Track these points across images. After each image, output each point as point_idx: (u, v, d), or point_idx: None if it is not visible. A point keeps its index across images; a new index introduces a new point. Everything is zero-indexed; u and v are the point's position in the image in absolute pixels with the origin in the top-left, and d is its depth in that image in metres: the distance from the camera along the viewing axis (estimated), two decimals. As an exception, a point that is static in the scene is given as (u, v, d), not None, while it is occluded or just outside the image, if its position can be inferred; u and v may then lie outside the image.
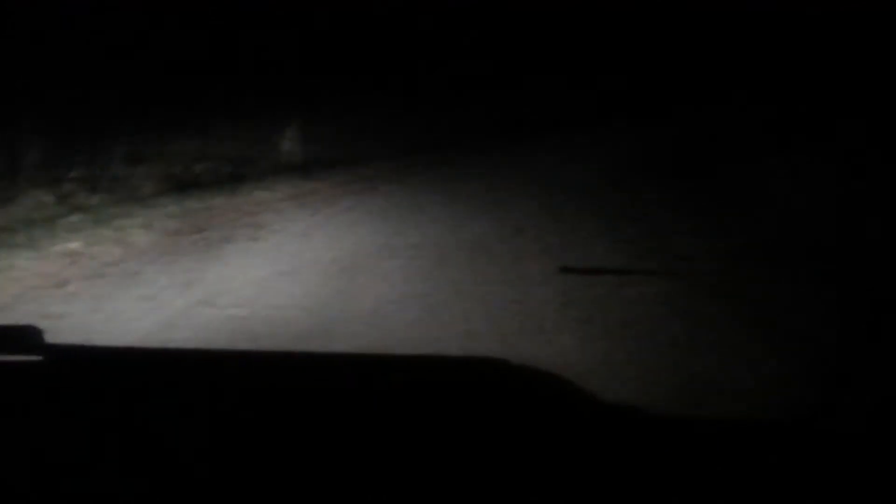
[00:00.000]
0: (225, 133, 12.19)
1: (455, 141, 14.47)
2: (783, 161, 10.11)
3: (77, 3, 11.08)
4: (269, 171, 11.96)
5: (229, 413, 1.44)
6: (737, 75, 16.97)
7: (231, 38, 12.40)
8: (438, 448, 1.32)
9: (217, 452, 1.31)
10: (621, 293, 5.67)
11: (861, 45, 15.01)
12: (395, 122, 14.50)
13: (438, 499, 1.19)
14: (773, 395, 3.90)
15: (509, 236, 7.51)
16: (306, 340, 4.78)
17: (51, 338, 1.68)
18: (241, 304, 5.62)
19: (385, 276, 6.22)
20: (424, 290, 5.83)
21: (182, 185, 10.83)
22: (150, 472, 1.26)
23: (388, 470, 1.25)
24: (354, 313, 5.36)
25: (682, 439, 1.34)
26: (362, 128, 13.89)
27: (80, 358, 1.77)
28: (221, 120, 12.23)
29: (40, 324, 1.78)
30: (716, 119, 15.13)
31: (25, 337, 1.65)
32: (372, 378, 1.62)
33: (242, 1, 12.75)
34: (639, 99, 16.64)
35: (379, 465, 1.26)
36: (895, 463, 1.21)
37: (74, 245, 7.31)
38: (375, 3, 14.62)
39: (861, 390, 3.66)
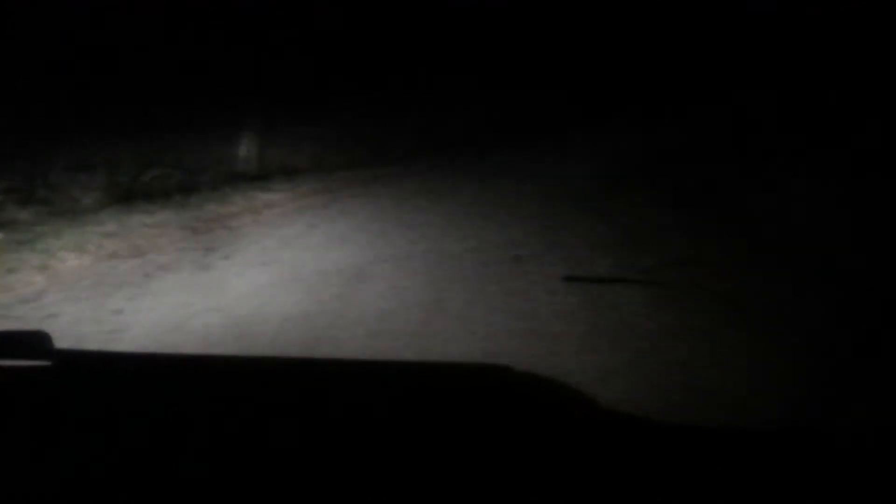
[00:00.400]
0: (180, 138, 11.20)
1: (426, 149, 13.70)
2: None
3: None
4: (225, 180, 10.99)
5: (237, 420, 1.45)
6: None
7: (196, 39, 11.41)
8: (440, 455, 1.32)
9: (223, 459, 1.31)
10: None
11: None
12: (362, 127, 13.69)
13: None
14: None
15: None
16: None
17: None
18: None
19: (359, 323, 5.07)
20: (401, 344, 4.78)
21: (128, 196, 9.81)
22: (156, 478, 1.26)
23: (390, 477, 1.25)
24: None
25: (683, 446, 1.37)
26: (328, 134, 13.06)
27: (89, 364, 1.80)
28: (178, 124, 11.25)
29: None
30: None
31: (34, 342, 1.65)
32: (373, 385, 1.64)
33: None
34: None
35: (380, 472, 1.26)
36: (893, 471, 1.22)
37: (-14, 273, 6.21)
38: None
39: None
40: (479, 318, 5.10)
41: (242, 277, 6.20)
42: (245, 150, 11.62)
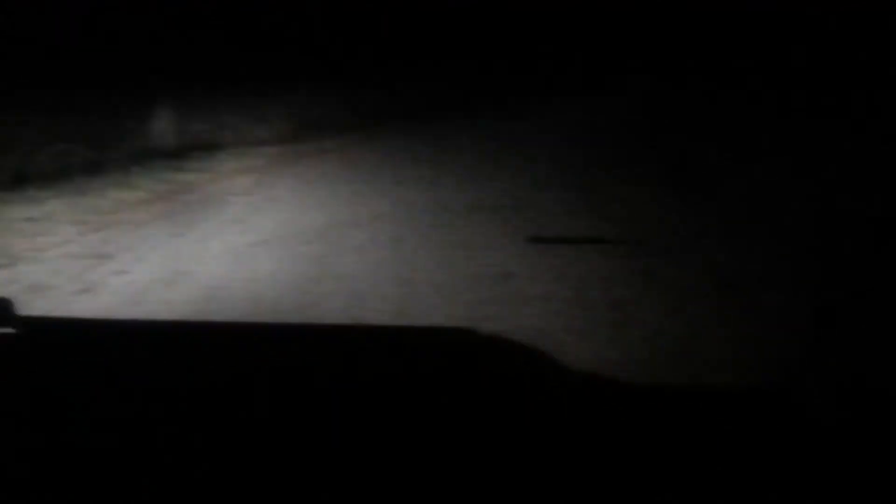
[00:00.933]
0: (88, 109, 9.68)
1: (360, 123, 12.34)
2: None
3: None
4: (135, 159, 9.49)
5: (204, 384, 1.44)
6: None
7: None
8: (408, 418, 1.31)
9: (193, 423, 1.30)
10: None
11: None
12: (291, 98, 12.21)
13: (409, 469, 1.19)
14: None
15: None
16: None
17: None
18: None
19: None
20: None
21: (19, 180, 8.32)
22: (124, 444, 1.24)
23: (359, 441, 1.25)
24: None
25: (653, 410, 1.34)
26: (255, 105, 11.57)
27: (53, 330, 1.78)
28: (85, 93, 9.74)
29: None
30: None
31: None
32: (342, 348, 1.63)
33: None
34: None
35: (350, 436, 1.26)
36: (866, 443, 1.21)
37: None
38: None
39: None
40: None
41: (145, 304, 4.80)
42: (162, 123, 10.12)
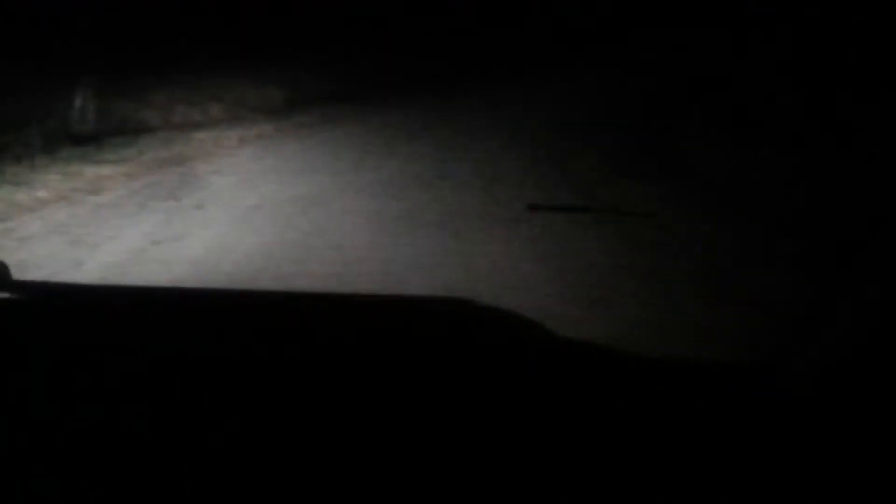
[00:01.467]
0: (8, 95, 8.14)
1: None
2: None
3: None
4: (44, 147, 7.96)
5: (196, 349, 1.44)
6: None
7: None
8: (405, 388, 1.32)
9: (183, 388, 1.29)
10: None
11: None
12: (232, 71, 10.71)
13: (404, 441, 1.19)
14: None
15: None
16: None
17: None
18: None
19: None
20: None
21: None
22: (116, 408, 1.23)
23: (353, 411, 1.24)
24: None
25: (645, 381, 1.38)
26: (190, 81, 10.03)
27: (48, 295, 1.77)
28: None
29: None
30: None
31: None
32: (338, 317, 1.64)
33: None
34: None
35: (344, 406, 1.25)
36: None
37: None
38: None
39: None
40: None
41: None
42: (81, 103, 8.56)
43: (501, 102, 11.18)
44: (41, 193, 6.30)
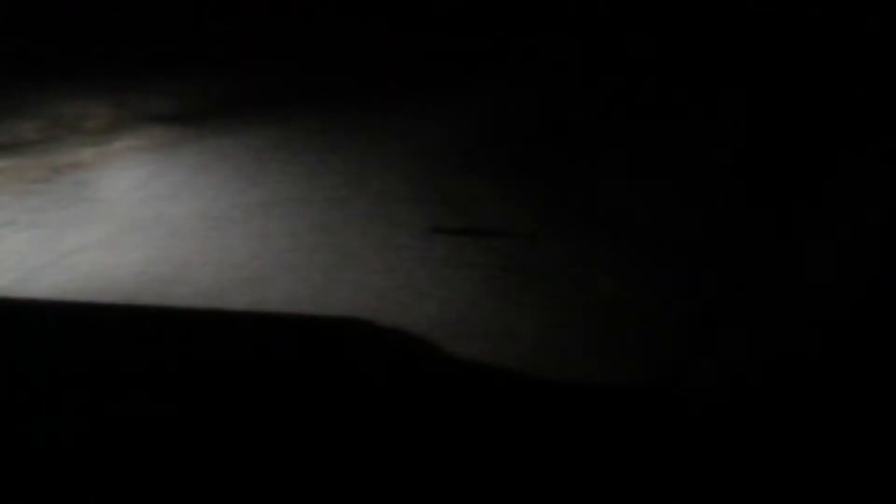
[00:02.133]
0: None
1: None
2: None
3: None
4: None
5: (113, 361, 1.46)
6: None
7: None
8: (300, 404, 1.38)
9: (109, 399, 1.33)
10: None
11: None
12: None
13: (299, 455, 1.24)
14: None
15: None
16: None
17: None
18: None
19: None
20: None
21: None
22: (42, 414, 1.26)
23: (246, 427, 1.29)
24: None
25: (536, 401, 1.44)
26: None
27: None
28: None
29: None
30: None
31: None
32: (237, 335, 1.66)
33: None
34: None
35: (237, 421, 1.30)
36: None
37: None
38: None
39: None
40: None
41: None
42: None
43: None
44: None
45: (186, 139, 9.17)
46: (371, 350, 1.57)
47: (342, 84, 12.81)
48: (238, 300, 3.92)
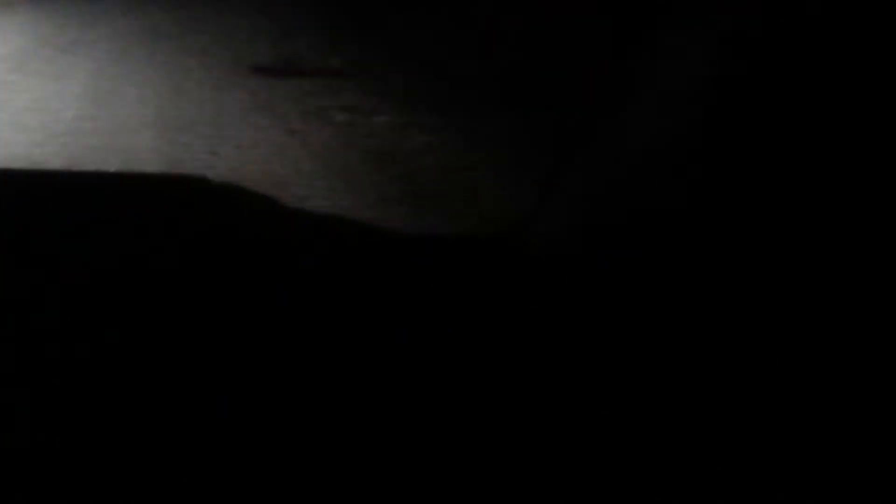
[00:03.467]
0: None
1: None
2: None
3: None
4: None
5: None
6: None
7: None
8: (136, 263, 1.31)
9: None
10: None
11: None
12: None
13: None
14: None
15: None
16: None
17: None
18: None
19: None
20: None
21: None
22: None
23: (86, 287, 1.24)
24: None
25: (385, 258, 1.35)
26: None
27: None
28: None
29: None
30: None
31: None
32: (74, 194, 1.57)
33: None
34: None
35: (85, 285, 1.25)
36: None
37: None
38: None
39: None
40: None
41: None
42: None
43: None
44: None
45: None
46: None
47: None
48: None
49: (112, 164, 4.03)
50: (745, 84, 1.28)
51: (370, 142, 4.67)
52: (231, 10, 8.06)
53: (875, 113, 1.19)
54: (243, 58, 6.31)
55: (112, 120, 4.74)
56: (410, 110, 5.14)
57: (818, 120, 1.23)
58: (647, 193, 1.31)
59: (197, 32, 7.21)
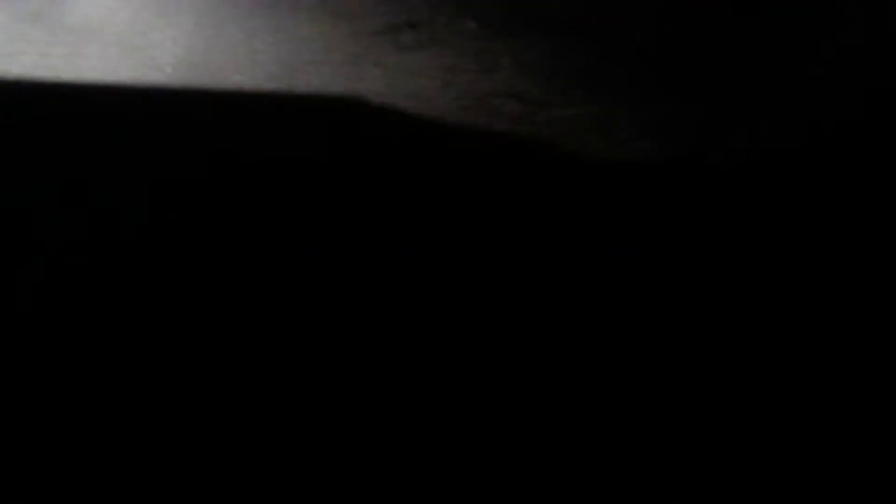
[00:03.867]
0: None
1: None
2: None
3: None
4: None
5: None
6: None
7: None
8: (298, 184, 1.46)
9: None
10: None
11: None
12: None
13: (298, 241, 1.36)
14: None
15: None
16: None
17: None
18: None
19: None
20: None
21: None
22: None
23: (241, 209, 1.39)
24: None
25: (570, 178, 1.47)
26: None
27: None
28: None
29: None
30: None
31: None
32: (226, 111, 1.70)
33: None
34: None
35: (232, 202, 1.39)
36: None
37: None
38: None
39: None
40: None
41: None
42: None
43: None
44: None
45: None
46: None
47: None
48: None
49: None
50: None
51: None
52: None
53: None
54: (367, 22, 6.00)
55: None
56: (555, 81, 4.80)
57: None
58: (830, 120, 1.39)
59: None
